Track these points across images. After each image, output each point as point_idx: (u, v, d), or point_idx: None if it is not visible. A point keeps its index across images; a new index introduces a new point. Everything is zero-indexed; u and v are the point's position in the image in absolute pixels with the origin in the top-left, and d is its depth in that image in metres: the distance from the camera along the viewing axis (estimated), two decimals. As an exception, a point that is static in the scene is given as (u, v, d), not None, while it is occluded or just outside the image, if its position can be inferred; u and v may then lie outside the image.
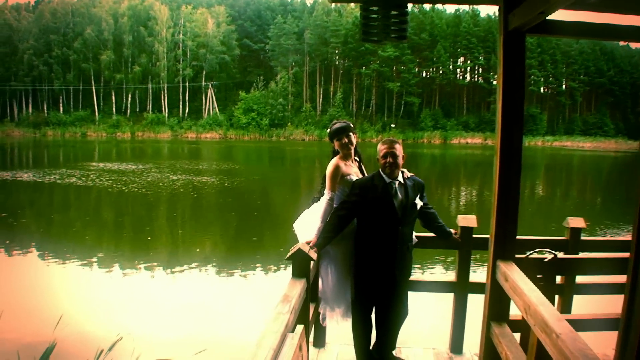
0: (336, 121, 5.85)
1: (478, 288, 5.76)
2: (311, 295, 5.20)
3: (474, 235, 5.81)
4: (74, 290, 11.80)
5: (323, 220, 5.47)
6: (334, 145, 5.75)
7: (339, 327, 5.81)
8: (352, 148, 5.74)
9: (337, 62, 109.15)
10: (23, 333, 8.91)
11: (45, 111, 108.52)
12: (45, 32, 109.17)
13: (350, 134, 5.68)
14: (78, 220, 21.35)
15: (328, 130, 5.84)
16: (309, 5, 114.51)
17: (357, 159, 5.92)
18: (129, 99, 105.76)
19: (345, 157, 5.70)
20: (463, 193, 31.45)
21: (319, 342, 6.21)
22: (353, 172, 5.67)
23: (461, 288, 5.96)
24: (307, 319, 4.96)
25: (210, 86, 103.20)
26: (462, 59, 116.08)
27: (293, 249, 4.88)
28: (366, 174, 5.82)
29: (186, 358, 6.93)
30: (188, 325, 9.59)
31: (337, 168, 5.57)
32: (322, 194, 5.67)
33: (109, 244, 16.93)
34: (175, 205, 24.46)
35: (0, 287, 11.79)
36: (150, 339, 8.70)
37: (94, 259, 14.39)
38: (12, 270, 13.51)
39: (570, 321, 3.35)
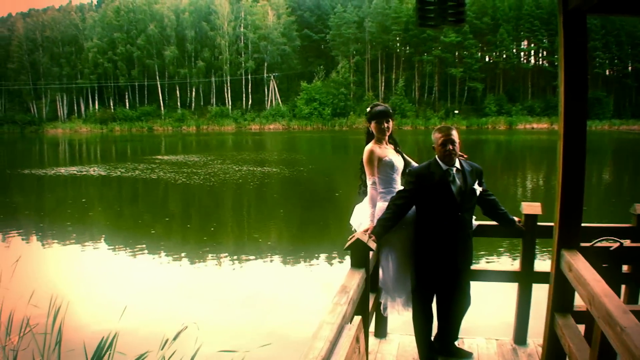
0: (377, 103, 5.79)
1: (542, 278, 5.55)
2: (371, 285, 5.14)
3: (539, 224, 5.61)
4: (140, 280, 12.01)
5: (372, 204, 5.43)
6: (369, 126, 5.70)
7: (401, 317, 5.74)
8: (388, 134, 5.69)
9: (398, 50, 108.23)
10: (89, 322, 9.09)
11: (112, 107, 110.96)
12: (109, 30, 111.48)
13: (390, 120, 5.62)
14: (145, 212, 21.76)
15: (367, 109, 5.79)
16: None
17: (392, 142, 5.83)
18: (193, 93, 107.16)
19: (379, 141, 5.64)
20: (528, 180, 30.86)
21: (380, 332, 6.14)
22: (389, 153, 5.61)
23: (525, 278, 5.78)
24: (367, 309, 4.91)
25: (272, 78, 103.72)
26: (525, 42, 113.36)
27: (351, 239, 4.83)
28: (405, 157, 5.78)
29: (250, 350, 6.94)
30: (252, 316, 9.64)
31: (372, 153, 5.53)
32: (365, 185, 5.64)
33: (175, 234, 17.19)
34: (240, 196, 24.68)
35: (69, 277, 12.08)
36: (215, 329, 8.78)
37: (161, 250, 14.64)
38: (81, 260, 13.85)
39: (636, 313, 3.21)
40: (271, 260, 13.56)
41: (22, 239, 16.44)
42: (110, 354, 5.33)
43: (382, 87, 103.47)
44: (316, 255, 14.00)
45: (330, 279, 11.66)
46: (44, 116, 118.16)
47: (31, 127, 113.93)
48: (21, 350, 7.03)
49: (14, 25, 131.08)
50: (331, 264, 13.15)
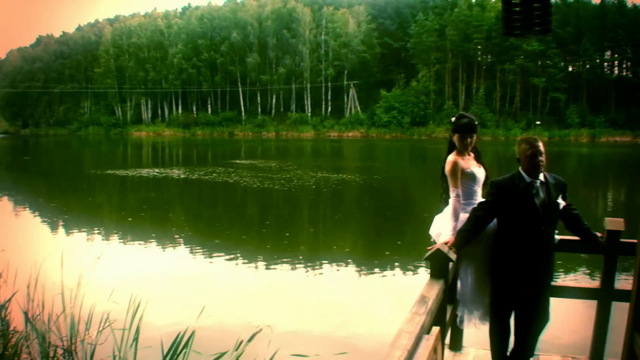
0: (463, 115, 5.70)
1: (623, 296, 5.38)
2: (449, 296, 5.10)
3: (622, 240, 5.43)
4: (216, 282, 12.19)
5: (454, 218, 5.38)
6: (452, 136, 5.66)
7: (477, 331, 5.66)
8: (470, 148, 5.63)
9: (479, 58, 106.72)
10: (167, 321, 9.28)
11: (194, 112, 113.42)
12: (193, 37, 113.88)
13: (475, 134, 5.57)
14: (223, 215, 22.10)
15: (452, 119, 5.73)
16: (450, 0, 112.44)
17: (473, 153, 5.76)
18: (274, 99, 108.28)
19: (461, 153, 5.59)
20: (610, 194, 29.97)
21: (456, 345, 6.05)
22: (472, 165, 5.56)
23: (605, 295, 5.57)
24: (444, 321, 4.87)
25: (352, 85, 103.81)
26: (609, 52, 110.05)
27: (431, 249, 4.81)
28: (485, 167, 5.72)
29: (324, 357, 6.97)
30: (325, 323, 9.65)
31: (455, 164, 5.49)
32: (447, 193, 5.60)
33: (251, 239, 17.36)
34: (316, 202, 24.77)
35: (149, 276, 12.35)
36: (288, 334, 8.82)
37: (237, 253, 14.80)
38: (161, 260, 14.15)
39: None
40: (345, 268, 13.54)
41: (104, 237, 16.92)
42: (186, 352, 5.43)
43: (463, 96, 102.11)
44: (390, 265, 13.91)
45: (405, 290, 11.57)
46: (128, 119, 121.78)
47: (116, 129, 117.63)
48: (99, 345, 7.22)
49: (102, 31, 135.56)
50: (405, 275, 13.05)
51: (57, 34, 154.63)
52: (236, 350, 5.30)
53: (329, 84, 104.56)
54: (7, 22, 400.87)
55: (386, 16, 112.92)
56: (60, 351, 7.43)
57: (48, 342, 7.18)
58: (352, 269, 13.54)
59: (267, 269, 13.24)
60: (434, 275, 4.70)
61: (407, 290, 11.41)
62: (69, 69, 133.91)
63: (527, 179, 4.95)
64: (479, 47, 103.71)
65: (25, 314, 7.47)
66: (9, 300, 6.92)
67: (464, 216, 5.39)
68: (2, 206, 25.45)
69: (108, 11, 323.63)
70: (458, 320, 5.56)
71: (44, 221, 21.35)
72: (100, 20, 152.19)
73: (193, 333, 5.56)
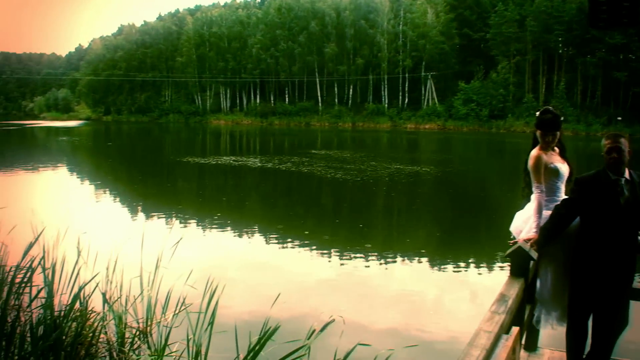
0: (548, 110, 5.57)
1: None
2: (528, 295, 5.02)
3: None
4: (291, 270, 12.30)
5: (537, 214, 5.28)
6: (536, 131, 5.54)
7: (553, 332, 5.56)
8: (552, 145, 5.51)
9: (560, 51, 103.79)
10: (242, 307, 9.41)
11: (272, 102, 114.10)
12: (271, 27, 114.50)
13: (558, 132, 5.45)
14: (298, 204, 22.24)
15: (537, 114, 5.62)
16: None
17: (558, 147, 5.64)
18: (351, 90, 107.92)
19: (545, 148, 5.46)
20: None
21: (531, 345, 5.92)
22: (555, 160, 5.42)
23: (691, 300, 5.37)
24: (522, 320, 4.80)
25: (429, 76, 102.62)
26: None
27: (513, 246, 4.74)
28: (569, 163, 5.58)
29: (395, 348, 6.95)
30: (396, 316, 9.61)
31: (538, 159, 5.37)
32: (529, 189, 5.49)
33: (324, 229, 17.42)
34: (390, 195, 24.66)
35: (224, 262, 12.55)
36: (361, 325, 8.84)
37: (311, 243, 14.88)
38: (237, 247, 14.36)
39: None
40: (418, 261, 13.45)
41: (182, 223, 17.24)
42: (260, 339, 5.50)
43: (543, 89, 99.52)
44: (464, 260, 13.74)
45: (477, 286, 11.45)
46: (207, 108, 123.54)
47: (195, 118, 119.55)
48: (174, 327, 7.36)
49: (182, 21, 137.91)
50: (479, 271, 12.88)
51: (138, 23, 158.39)
52: (308, 339, 5.34)
53: (407, 75, 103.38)
54: (90, 11, 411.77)
55: (465, 6, 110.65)
56: (135, 332, 7.63)
57: (124, 323, 7.37)
58: (424, 262, 13.44)
59: (340, 259, 13.27)
60: (514, 273, 4.63)
61: (480, 287, 11.31)
62: (150, 57, 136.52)
63: (612, 176, 4.80)
64: (560, 38, 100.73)
65: (104, 295, 7.68)
66: (89, 281, 7.12)
67: (547, 213, 5.28)
68: (84, 190, 26.28)
69: (189, 1, 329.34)
70: (535, 320, 5.46)
71: (124, 205, 21.95)
72: (181, 10, 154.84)
73: (267, 320, 5.62)
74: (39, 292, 7.28)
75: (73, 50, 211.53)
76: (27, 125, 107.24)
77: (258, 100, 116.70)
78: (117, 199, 23.54)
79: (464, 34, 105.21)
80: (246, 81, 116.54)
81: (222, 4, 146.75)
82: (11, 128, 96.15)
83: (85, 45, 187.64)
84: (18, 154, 48.57)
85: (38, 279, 7.30)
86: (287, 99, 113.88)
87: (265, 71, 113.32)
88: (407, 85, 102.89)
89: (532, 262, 4.80)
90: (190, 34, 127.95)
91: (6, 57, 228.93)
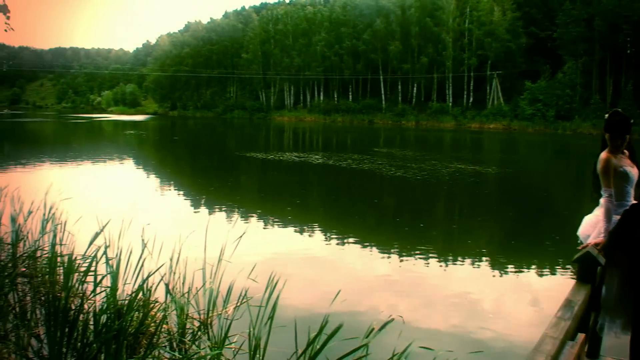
0: (618, 113, 5.41)
1: None
2: (594, 302, 4.88)
3: None
4: (351, 268, 12.26)
5: (606, 219, 5.13)
6: (605, 134, 5.39)
7: (616, 340, 5.39)
8: (621, 149, 5.35)
9: (628, 51, 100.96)
10: (302, 302, 9.43)
11: (335, 99, 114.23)
12: (336, 25, 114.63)
13: (627, 136, 5.28)
14: (359, 202, 22.19)
15: (606, 116, 5.45)
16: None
17: (627, 151, 5.46)
18: (415, 88, 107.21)
19: (614, 151, 5.32)
20: None
21: (593, 353, 5.76)
22: (625, 164, 5.25)
23: None
24: (587, 327, 4.66)
25: (495, 75, 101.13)
26: None
27: (580, 251, 4.61)
28: (639, 167, 5.40)
29: (457, 352, 6.85)
30: (458, 319, 9.49)
31: (607, 162, 5.24)
32: (598, 192, 5.34)
33: (385, 227, 17.34)
34: (452, 195, 24.41)
35: (285, 257, 12.59)
36: (420, 326, 8.77)
37: (372, 241, 14.83)
38: (298, 243, 14.38)
39: None
40: (479, 263, 13.26)
41: (244, 217, 17.40)
42: (318, 335, 5.48)
43: (610, 91, 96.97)
44: (527, 263, 13.44)
45: (541, 291, 11.21)
46: (271, 104, 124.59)
47: (259, 114, 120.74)
48: (235, 320, 7.43)
49: (247, 18, 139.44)
50: (542, 275, 12.60)
51: (205, 20, 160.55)
52: (366, 337, 5.30)
53: (472, 74, 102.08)
54: (157, 8, 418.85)
55: (532, 5, 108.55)
56: (196, 324, 7.72)
57: (186, 314, 7.46)
58: (485, 264, 13.23)
59: (399, 258, 13.16)
60: (581, 279, 4.51)
61: (542, 291, 11.09)
62: (216, 54, 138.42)
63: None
64: (628, 38, 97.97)
65: (167, 286, 7.79)
66: (153, 272, 7.22)
67: (616, 218, 5.14)
68: (149, 182, 26.78)
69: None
70: (598, 327, 5.31)
71: (187, 198, 22.29)
72: (246, 8, 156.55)
73: (327, 317, 5.59)
74: (101, 280, 7.41)
75: (140, 46, 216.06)
76: (95, 119, 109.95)
77: (322, 98, 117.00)
78: (181, 192, 23.90)
79: (531, 33, 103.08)
80: (310, 78, 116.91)
81: (287, 1, 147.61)
82: (80, 121, 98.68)
83: (153, 41, 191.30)
84: (86, 146, 49.85)
85: (102, 268, 7.45)
86: (350, 96, 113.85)
87: (329, 68, 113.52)
88: (472, 84, 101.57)
89: (599, 267, 4.65)
90: (255, 31, 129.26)
91: (75, 52, 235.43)
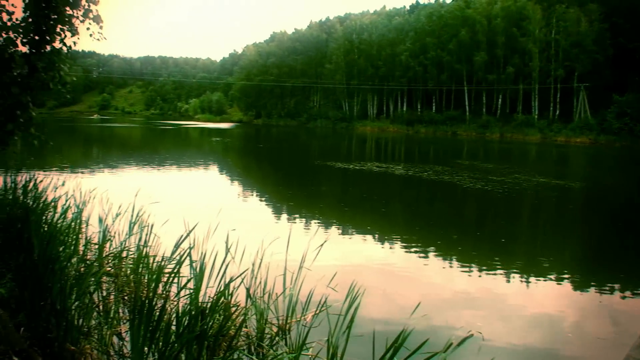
0: None
1: None
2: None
3: None
4: (431, 281, 12.15)
5: None
6: None
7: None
8: None
9: None
10: (380, 313, 9.43)
11: (419, 110, 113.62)
12: (421, 35, 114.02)
13: None
14: (441, 215, 21.98)
15: None
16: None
17: None
18: (500, 100, 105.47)
19: None
20: None
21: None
22: None
23: None
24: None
25: (582, 88, 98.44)
26: None
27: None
28: None
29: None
30: (536, 337, 9.27)
31: None
32: None
33: (466, 240, 17.09)
34: (534, 209, 23.93)
35: (365, 268, 12.58)
36: (497, 343, 8.64)
37: (452, 254, 14.67)
38: (377, 253, 14.35)
39: None
40: (562, 281, 12.91)
41: (325, 226, 17.47)
42: (396, 347, 5.47)
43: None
44: (609, 283, 13.02)
45: (622, 312, 10.87)
46: (354, 114, 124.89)
47: (342, 123, 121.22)
48: (313, 327, 7.51)
49: (332, 28, 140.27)
50: (625, 294, 12.17)
51: (290, 30, 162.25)
52: (444, 352, 5.27)
53: (558, 86, 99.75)
54: (244, 18, 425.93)
55: (620, 15, 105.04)
56: (275, 329, 7.83)
57: (265, 319, 7.60)
58: (567, 282, 12.83)
59: (479, 273, 12.95)
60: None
61: (626, 312, 10.78)
62: (300, 64, 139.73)
63: None
64: None
65: (247, 290, 7.94)
66: (236, 278, 7.36)
67: None
68: (233, 189, 27.28)
69: (338, 9, 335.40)
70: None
71: (270, 205, 22.59)
72: (330, 18, 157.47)
73: (404, 329, 5.59)
74: (186, 283, 7.60)
75: (227, 55, 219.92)
76: (182, 126, 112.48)
77: (405, 108, 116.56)
78: (264, 199, 24.24)
79: (618, 44, 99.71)
80: (393, 88, 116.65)
81: (371, 11, 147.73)
82: (167, 127, 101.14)
83: (239, 51, 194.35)
84: (173, 151, 51.08)
85: (186, 270, 7.64)
86: (434, 107, 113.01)
87: (413, 79, 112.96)
88: (558, 96, 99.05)
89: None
90: (339, 42, 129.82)
91: (164, 61, 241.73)
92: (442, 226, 19.33)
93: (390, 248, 15.25)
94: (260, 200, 23.92)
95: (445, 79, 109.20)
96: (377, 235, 16.72)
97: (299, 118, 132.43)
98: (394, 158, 49.56)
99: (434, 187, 28.28)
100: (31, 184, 11.35)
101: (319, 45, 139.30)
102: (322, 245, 8.80)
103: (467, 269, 13.26)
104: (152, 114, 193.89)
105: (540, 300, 11.34)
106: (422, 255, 14.53)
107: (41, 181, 11.95)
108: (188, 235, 7.82)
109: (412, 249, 15.18)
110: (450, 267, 13.49)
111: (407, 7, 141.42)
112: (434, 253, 14.74)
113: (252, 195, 25.43)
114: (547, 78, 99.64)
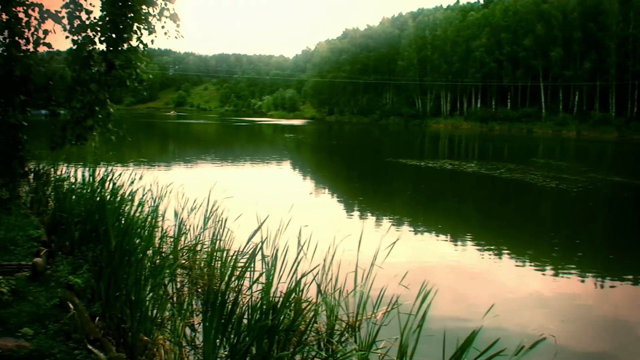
0: None
1: None
2: None
3: None
4: (503, 282, 11.93)
5: None
6: None
7: None
8: None
9: None
10: (452, 313, 9.33)
11: (493, 106, 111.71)
12: (496, 30, 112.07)
13: None
14: (514, 214, 21.60)
15: None
16: None
17: None
18: (576, 96, 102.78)
19: None
20: None
21: None
22: None
23: None
24: None
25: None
26: None
27: None
28: None
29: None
30: (610, 343, 9.01)
31: None
32: None
33: (539, 241, 16.72)
34: (610, 210, 23.30)
35: (438, 267, 12.47)
36: (570, 347, 8.46)
37: (525, 255, 14.39)
38: (449, 252, 14.21)
39: None
40: (637, 286, 12.53)
41: (397, 223, 17.39)
42: (467, 348, 5.41)
43: None
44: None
45: None
46: (427, 111, 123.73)
47: (415, 121, 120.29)
48: (383, 326, 7.49)
49: (404, 24, 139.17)
50: None
51: (362, 27, 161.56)
52: (515, 355, 5.18)
53: (637, 82, 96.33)
54: (316, 15, 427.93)
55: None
56: (344, 325, 7.83)
57: (335, 315, 7.61)
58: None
59: (553, 275, 12.64)
60: None
61: None
62: (373, 61, 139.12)
63: None
64: None
65: (319, 286, 7.97)
66: (307, 273, 7.39)
67: None
68: (306, 184, 27.49)
69: (411, 5, 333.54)
70: None
71: (341, 201, 22.63)
72: (403, 14, 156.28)
73: (475, 330, 5.51)
74: (259, 277, 7.68)
75: (300, 52, 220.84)
76: (256, 122, 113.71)
77: (479, 105, 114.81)
78: (336, 195, 24.31)
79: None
80: (467, 85, 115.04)
81: (444, 6, 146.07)
82: (241, 124, 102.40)
83: (312, 48, 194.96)
84: (247, 147, 51.74)
85: (258, 265, 7.71)
86: (509, 104, 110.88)
87: (488, 75, 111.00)
88: (636, 93, 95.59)
89: None
90: (411, 38, 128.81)
91: (238, 58, 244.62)
92: (515, 225, 19.01)
93: (462, 247, 15.09)
94: (332, 197, 24.02)
95: (521, 75, 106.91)
96: (449, 234, 16.56)
97: (371, 115, 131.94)
98: (467, 156, 48.97)
99: (507, 186, 27.82)
100: (109, 178, 11.63)
101: (391, 42, 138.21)
102: (394, 243, 8.76)
103: (540, 270, 12.99)
104: (227, 110, 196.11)
105: (617, 304, 11.04)
106: (494, 254, 14.32)
107: (119, 175, 12.22)
108: (259, 229, 7.89)
109: (484, 248, 14.97)
110: (523, 267, 13.26)
111: (481, 2, 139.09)
112: (507, 253, 14.52)
113: (324, 191, 25.55)
114: (624, 74, 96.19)
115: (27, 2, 7.97)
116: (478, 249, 14.90)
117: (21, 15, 7.96)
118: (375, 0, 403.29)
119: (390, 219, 18.24)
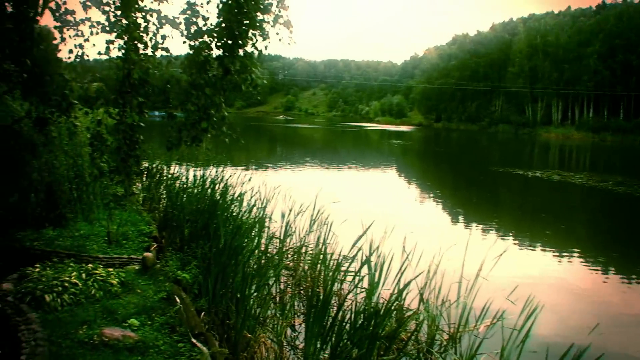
0: None
1: None
2: None
3: None
4: (610, 300, 11.53)
5: None
6: None
7: None
8: None
9: None
10: (556, 330, 9.11)
11: (605, 116, 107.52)
12: (609, 37, 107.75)
13: None
14: (622, 230, 20.76)
15: None
16: None
17: None
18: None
19: None
20: None
21: None
22: None
23: None
24: None
25: None
26: None
27: None
28: None
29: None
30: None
31: None
32: None
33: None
34: None
35: (544, 282, 12.20)
36: (624, 349, 8.21)
37: (633, 274, 13.86)
38: (555, 267, 13.85)
39: None
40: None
41: (502, 235, 17.09)
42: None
43: None
44: None
45: None
46: (537, 119, 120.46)
47: (524, 129, 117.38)
48: (486, 339, 7.42)
49: (515, 30, 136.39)
50: None
51: (472, 33, 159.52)
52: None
53: None
54: (425, 21, 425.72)
55: None
56: (445, 336, 7.80)
57: (436, 325, 7.59)
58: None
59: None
60: None
61: None
62: (482, 67, 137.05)
63: None
64: None
65: (421, 295, 7.96)
66: (411, 281, 7.40)
67: None
68: (411, 191, 27.39)
69: (522, 10, 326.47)
70: None
71: (446, 210, 22.38)
72: (514, 19, 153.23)
73: (579, 349, 5.40)
74: (359, 282, 7.75)
75: (408, 58, 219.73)
76: (363, 128, 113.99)
77: (591, 114, 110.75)
78: (441, 203, 24.06)
79: None
80: (579, 93, 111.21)
81: (556, 12, 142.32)
82: (348, 129, 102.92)
83: (420, 54, 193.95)
84: (353, 152, 51.98)
85: (362, 270, 7.78)
86: (621, 114, 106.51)
87: (601, 83, 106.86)
88: None
89: None
90: (522, 44, 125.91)
91: (346, 64, 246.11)
92: (624, 243, 18.29)
93: (568, 261, 14.67)
94: (437, 205, 23.78)
95: (635, 84, 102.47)
96: (554, 248, 16.10)
97: (479, 122, 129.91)
98: (579, 167, 47.43)
99: (618, 201, 26.77)
100: (219, 179, 11.97)
101: (502, 47, 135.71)
102: (501, 255, 8.66)
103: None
104: (334, 115, 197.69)
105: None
106: (601, 272, 13.84)
107: (229, 176, 12.55)
108: (364, 234, 7.96)
109: (591, 265, 14.50)
110: (630, 286, 12.76)
111: (594, 7, 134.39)
112: (614, 271, 14.01)
113: (430, 198, 25.33)
114: None
115: (145, 8, 8.35)
116: (585, 265, 14.45)
117: (140, 20, 8.35)
118: (484, 6, 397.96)
119: (496, 229, 17.95)
